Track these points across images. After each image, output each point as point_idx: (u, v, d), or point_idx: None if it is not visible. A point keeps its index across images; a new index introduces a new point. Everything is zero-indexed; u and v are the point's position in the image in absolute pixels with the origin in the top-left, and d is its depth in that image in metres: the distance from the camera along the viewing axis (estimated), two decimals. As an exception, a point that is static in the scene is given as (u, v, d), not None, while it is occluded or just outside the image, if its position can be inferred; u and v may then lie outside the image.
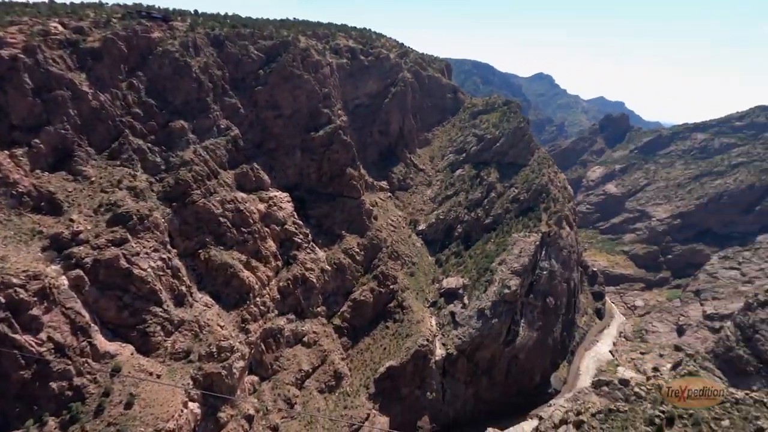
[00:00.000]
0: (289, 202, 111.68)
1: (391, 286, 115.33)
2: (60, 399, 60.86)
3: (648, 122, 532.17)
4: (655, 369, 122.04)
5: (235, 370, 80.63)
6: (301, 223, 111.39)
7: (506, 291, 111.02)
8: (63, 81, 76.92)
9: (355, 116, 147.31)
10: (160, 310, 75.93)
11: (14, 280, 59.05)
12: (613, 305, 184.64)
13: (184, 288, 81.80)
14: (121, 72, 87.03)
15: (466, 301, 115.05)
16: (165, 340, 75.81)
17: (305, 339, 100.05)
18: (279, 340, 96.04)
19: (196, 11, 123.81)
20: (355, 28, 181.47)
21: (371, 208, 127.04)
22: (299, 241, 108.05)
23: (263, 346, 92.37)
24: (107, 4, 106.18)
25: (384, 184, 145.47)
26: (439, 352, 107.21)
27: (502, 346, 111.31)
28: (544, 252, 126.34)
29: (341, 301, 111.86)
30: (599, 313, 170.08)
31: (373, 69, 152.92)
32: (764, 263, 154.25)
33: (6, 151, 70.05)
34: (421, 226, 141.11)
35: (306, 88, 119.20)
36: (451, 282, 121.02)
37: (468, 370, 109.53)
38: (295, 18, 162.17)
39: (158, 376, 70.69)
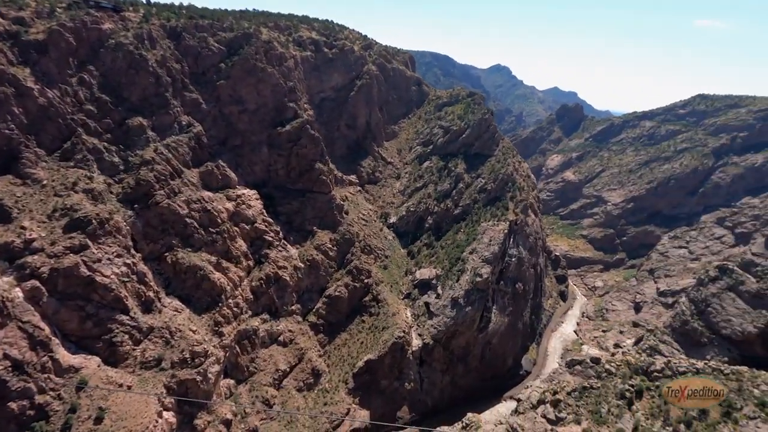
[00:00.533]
0: (257, 199, 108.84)
1: (366, 280, 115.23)
2: (21, 419, 56.88)
3: (599, 111, 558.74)
4: (617, 345, 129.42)
5: (210, 375, 78.26)
6: (271, 220, 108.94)
7: (478, 279, 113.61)
8: (4, 76, 70.55)
9: (322, 110, 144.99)
10: (127, 318, 72.30)
11: (-38, 296, 54.24)
12: (575, 287, 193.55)
13: (151, 293, 78.20)
14: (70, 66, 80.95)
15: (439, 291, 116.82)
16: (134, 349, 72.34)
17: (281, 338, 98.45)
18: (254, 341, 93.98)
19: (148, 1, 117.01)
20: (317, 19, 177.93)
21: (342, 202, 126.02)
22: (270, 239, 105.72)
23: (238, 349, 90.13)
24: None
25: (353, 178, 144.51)
26: (416, 342, 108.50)
27: (476, 332, 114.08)
28: (512, 239, 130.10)
29: (316, 297, 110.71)
30: (563, 296, 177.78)
31: (337, 62, 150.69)
32: (709, 241, 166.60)
33: (-58, 155, 63.83)
34: (392, 219, 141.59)
35: (270, 82, 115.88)
36: (425, 273, 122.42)
37: (444, 359, 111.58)
38: (255, 9, 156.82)
39: (129, 388, 67.49)
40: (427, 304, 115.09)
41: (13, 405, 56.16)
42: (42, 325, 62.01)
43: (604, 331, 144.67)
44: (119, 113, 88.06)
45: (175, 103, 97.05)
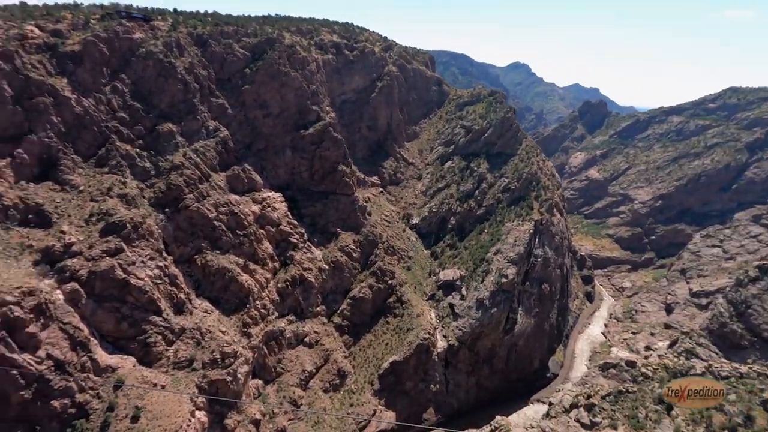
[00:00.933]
0: (282, 202, 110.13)
1: (389, 282, 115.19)
2: (63, 417, 58.94)
3: (623, 107, 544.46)
4: (648, 348, 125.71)
5: (239, 376, 79.52)
6: (295, 222, 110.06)
7: (504, 280, 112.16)
8: (44, 87, 73.50)
9: (343, 112, 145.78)
10: (160, 319, 74.13)
11: (8, 298, 56.55)
12: (602, 288, 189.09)
13: (182, 295, 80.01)
14: (103, 75, 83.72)
15: (464, 292, 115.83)
16: (167, 350, 74.12)
17: (307, 339, 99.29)
18: (281, 342, 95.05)
19: (175, 9, 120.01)
20: (338, 22, 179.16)
21: (364, 204, 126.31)
22: (295, 241, 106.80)
23: (266, 349, 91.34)
24: (83, 5, 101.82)
25: (375, 179, 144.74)
26: (441, 344, 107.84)
27: (501, 334, 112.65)
28: (537, 239, 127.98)
29: (340, 299, 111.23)
30: (589, 297, 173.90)
31: (358, 64, 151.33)
32: (744, 240, 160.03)
33: (-12, 163, 66.83)
34: (415, 220, 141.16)
35: (293, 86, 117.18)
36: (448, 274, 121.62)
37: (469, 360, 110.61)
38: (277, 14, 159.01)
39: (163, 387, 69.15)
40: (451, 306, 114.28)
41: (55, 403, 58.26)
42: (81, 326, 64.19)
43: (633, 333, 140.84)
44: (150, 120, 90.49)
45: (203, 109, 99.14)
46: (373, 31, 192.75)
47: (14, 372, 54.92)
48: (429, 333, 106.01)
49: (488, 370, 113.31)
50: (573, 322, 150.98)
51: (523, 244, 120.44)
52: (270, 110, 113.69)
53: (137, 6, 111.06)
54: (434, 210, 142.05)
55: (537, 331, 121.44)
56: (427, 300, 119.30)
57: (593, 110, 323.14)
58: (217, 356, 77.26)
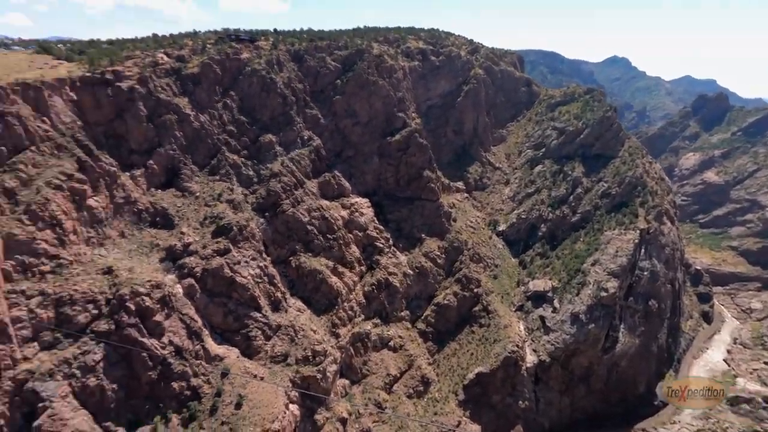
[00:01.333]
0: (369, 207, 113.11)
1: (475, 290, 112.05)
2: (180, 398, 66.01)
3: (747, 100, 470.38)
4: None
5: (328, 374, 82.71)
6: (381, 227, 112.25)
7: (603, 294, 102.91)
8: (170, 106, 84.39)
9: (428, 117, 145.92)
10: (260, 315, 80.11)
11: (141, 289, 65.28)
12: (722, 308, 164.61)
13: (279, 294, 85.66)
14: (216, 93, 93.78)
15: (556, 304, 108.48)
16: (265, 344, 79.74)
17: (391, 343, 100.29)
18: (366, 344, 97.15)
19: (275, 30, 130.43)
20: (423, 29, 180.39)
21: (450, 210, 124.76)
22: (381, 245, 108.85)
23: (352, 350, 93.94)
24: (200, 32, 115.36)
25: (460, 184, 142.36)
26: (530, 358, 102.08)
27: (600, 353, 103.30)
28: (643, 251, 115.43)
29: (424, 305, 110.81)
30: (706, 317, 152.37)
31: (444, 68, 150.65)
32: None
33: (127, 173, 78.21)
34: (502, 227, 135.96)
35: (381, 94, 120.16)
36: (539, 284, 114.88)
37: (562, 378, 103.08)
38: (366, 26, 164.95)
39: (262, 379, 74.45)
40: (542, 318, 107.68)
41: (175, 385, 65.65)
42: (196, 317, 71.85)
43: (766, 363, 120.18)
44: (253, 132, 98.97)
45: (298, 120, 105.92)
46: (459, 35, 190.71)
47: (144, 354, 63.09)
48: (517, 346, 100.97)
49: (584, 390, 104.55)
50: (686, 345, 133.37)
51: (627, 255, 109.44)
52: (359, 119, 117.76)
53: (244, 29, 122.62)
54: (523, 216, 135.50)
55: (642, 351, 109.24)
56: (514, 311, 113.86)
57: (710, 104, 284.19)
58: (309, 354, 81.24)
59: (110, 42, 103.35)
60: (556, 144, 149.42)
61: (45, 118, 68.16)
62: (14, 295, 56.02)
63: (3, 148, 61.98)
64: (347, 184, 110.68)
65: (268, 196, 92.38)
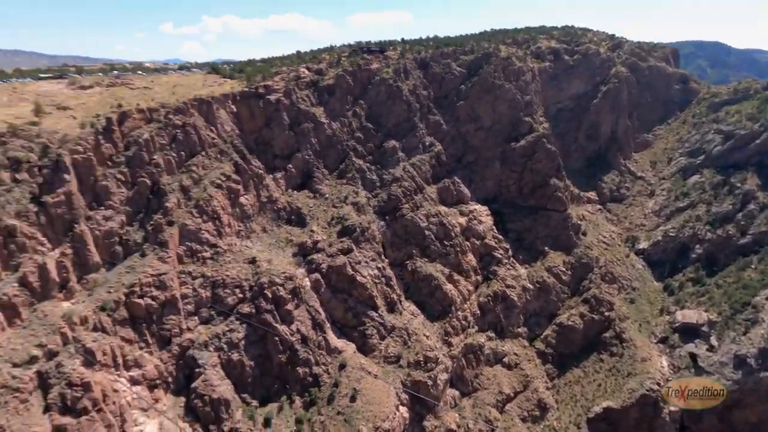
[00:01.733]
0: (488, 215, 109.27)
1: (606, 313, 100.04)
2: (303, 383, 71.75)
3: None
4: None
5: (439, 382, 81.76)
6: (500, 237, 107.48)
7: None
8: (308, 115, 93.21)
9: (558, 121, 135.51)
10: (376, 315, 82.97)
11: (277, 280, 72.91)
12: None
13: (395, 296, 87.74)
14: (347, 102, 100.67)
15: (714, 341, 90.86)
16: (380, 343, 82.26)
17: (506, 360, 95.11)
18: (479, 357, 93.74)
19: (403, 39, 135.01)
20: (556, 27, 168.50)
21: (578, 222, 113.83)
22: (499, 256, 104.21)
23: (464, 361, 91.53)
24: (336, 46, 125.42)
25: (592, 195, 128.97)
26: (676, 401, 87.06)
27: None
28: None
29: (544, 323, 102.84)
30: None
31: (579, 68, 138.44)
32: None
33: (270, 175, 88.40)
34: (643, 245, 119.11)
35: (507, 98, 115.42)
36: (690, 316, 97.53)
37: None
38: (492, 28, 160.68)
39: (375, 376, 76.98)
40: (693, 356, 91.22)
41: (300, 370, 71.66)
42: (320, 310, 77.55)
43: None
44: (378, 138, 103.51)
45: (421, 126, 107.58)
46: (598, 31, 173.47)
47: (276, 338, 70.24)
48: (658, 384, 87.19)
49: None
50: None
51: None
52: (482, 123, 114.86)
53: (374, 41, 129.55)
54: (671, 234, 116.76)
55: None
56: (656, 343, 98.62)
57: None
58: (421, 359, 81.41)
59: (263, 60, 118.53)
60: (721, 150, 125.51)
61: (212, 128, 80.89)
62: (183, 276, 67.38)
63: (182, 152, 75.19)
64: (466, 191, 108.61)
65: (389, 200, 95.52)
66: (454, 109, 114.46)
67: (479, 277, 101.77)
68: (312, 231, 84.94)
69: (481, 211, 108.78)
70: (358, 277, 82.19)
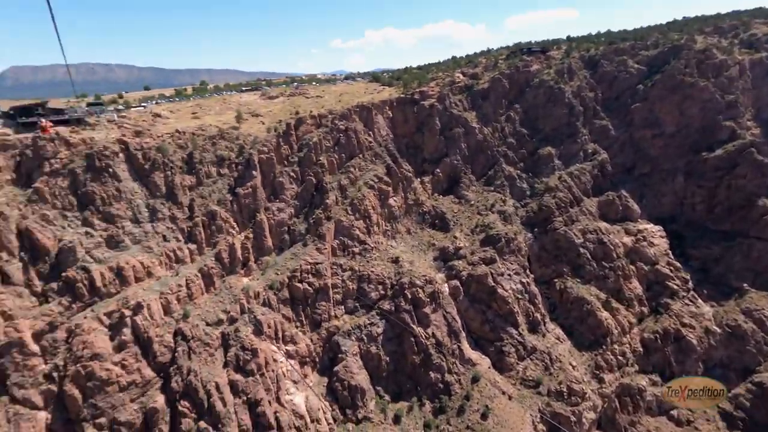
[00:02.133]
0: (662, 237, 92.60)
1: (837, 383, 74.89)
2: (434, 388, 71.35)
3: None
4: None
5: (584, 420, 72.60)
6: (678, 264, 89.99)
7: None
8: (459, 120, 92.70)
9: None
10: (516, 332, 77.82)
11: (417, 282, 74.25)
12: None
13: (538, 315, 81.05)
14: (501, 106, 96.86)
15: None
16: (517, 363, 76.95)
17: (674, 413, 79.19)
18: (638, 402, 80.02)
19: (569, 37, 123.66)
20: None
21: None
22: (674, 287, 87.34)
23: (617, 404, 79.25)
24: (493, 49, 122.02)
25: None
26: None
27: None
28: None
29: (735, 379, 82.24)
30: None
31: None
32: None
33: (419, 179, 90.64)
34: None
35: (700, 98, 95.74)
36: None
37: None
38: (685, 17, 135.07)
39: (510, 398, 72.24)
40: None
41: (431, 374, 71.52)
42: (457, 318, 76.24)
43: None
44: (532, 144, 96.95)
45: (584, 131, 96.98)
46: None
47: (412, 339, 71.49)
48: None
49: None
50: None
51: None
52: (662, 129, 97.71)
53: (535, 41, 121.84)
54: None
55: None
56: None
57: None
58: (564, 389, 73.49)
59: (419, 68, 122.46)
60: None
61: (370, 132, 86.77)
62: (335, 267, 73.75)
63: (343, 154, 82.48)
64: (636, 207, 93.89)
65: (539, 211, 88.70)
66: (626, 113, 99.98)
67: (645, 309, 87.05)
68: (455, 237, 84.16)
69: (654, 231, 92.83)
70: (499, 290, 78.28)
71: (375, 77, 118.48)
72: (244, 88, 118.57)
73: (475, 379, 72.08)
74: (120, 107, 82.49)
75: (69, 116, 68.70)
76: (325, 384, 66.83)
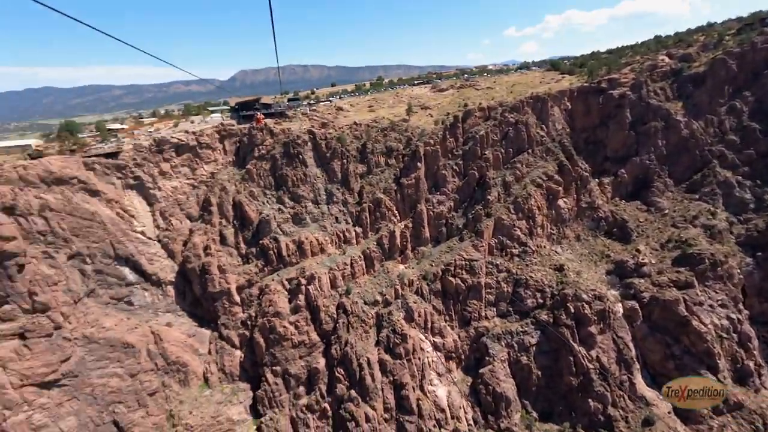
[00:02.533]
0: None
1: None
2: (593, 419, 62.69)
3: None
4: None
5: None
6: None
7: None
8: (659, 112, 77.20)
9: None
10: (714, 378, 62.16)
11: (584, 296, 65.70)
12: None
13: (751, 364, 63.31)
14: (722, 95, 76.81)
15: None
16: (711, 418, 61.82)
17: None
18: None
19: None
20: None
21: None
22: None
23: None
24: (716, 23, 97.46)
25: None
26: None
27: None
28: None
29: None
30: None
31: None
32: None
33: (596, 179, 79.51)
34: None
35: None
36: None
37: None
38: None
39: (695, 456, 58.56)
40: None
41: (590, 402, 62.90)
42: (631, 346, 65.01)
43: None
44: (764, 144, 74.69)
45: None
46: None
47: (571, 358, 63.93)
48: None
49: None
50: None
51: None
52: None
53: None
54: None
55: None
56: None
57: None
58: (783, 468, 55.91)
59: (609, 51, 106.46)
60: None
61: (543, 125, 79.58)
62: (490, 266, 70.75)
63: (510, 149, 77.84)
64: None
65: (766, 230, 68.28)
66: None
67: None
68: (637, 250, 71.38)
69: None
70: (695, 322, 63.48)
71: (553, 65, 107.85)
72: (416, 82, 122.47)
73: (648, 422, 60.85)
74: (311, 102, 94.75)
75: (274, 110, 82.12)
76: (469, 384, 65.37)
